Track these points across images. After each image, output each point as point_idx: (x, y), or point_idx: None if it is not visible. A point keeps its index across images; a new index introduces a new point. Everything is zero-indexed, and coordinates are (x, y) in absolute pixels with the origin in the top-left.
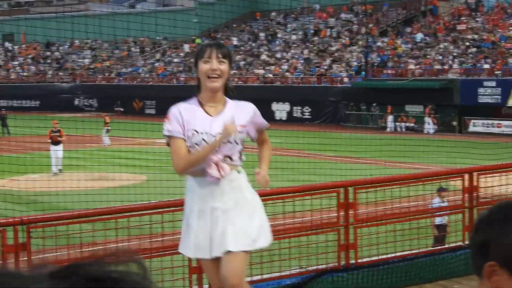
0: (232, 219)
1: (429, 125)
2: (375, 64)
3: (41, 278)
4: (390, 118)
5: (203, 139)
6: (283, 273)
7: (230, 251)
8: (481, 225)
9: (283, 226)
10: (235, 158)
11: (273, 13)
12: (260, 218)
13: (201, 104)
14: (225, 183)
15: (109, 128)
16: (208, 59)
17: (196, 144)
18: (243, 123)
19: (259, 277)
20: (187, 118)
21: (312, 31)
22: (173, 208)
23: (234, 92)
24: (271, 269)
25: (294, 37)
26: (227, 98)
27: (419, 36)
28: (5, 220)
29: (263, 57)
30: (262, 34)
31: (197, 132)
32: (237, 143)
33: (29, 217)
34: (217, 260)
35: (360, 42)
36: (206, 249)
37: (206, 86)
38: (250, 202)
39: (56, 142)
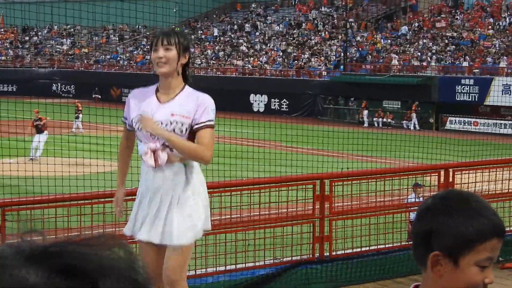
0: (169, 210)
1: (413, 122)
2: (354, 59)
3: (16, 262)
4: (365, 113)
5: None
6: (257, 264)
7: (170, 245)
8: (424, 215)
9: (258, 216)
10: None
11: (254, 5)
12: (194, 218)
13: (156, 90)
14: (167, 172)
15: (79, 115)
16: (155, 47)
17: (139, 129)
18: (187, 114)
19: (233, 267)
20: (136, 102)
21: (292, 24)
22: None
23: (190, 80)
24: (246, 259)
25: (273, 29)
26: (186, 87)
27: (404, 29)
28: None
29: (243, 48)
30: (241, 25)
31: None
32: (176, 133)
33: (5, 200)
34: (155, 246)
35: (339, 36)
36: (143, 232)
37: (156, 72)
38: (189, 200)
39: (40, 131)
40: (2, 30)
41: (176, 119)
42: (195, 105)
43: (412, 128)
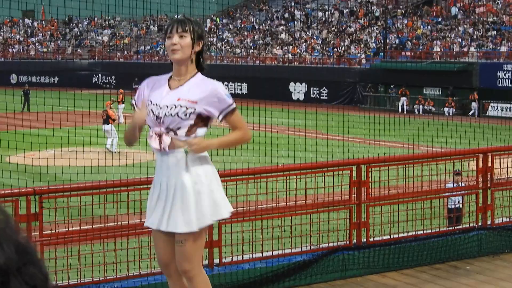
0: (173, 198)
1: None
2: (394, 46)
3: None
4: (402, 100)
5: (151, 110)
6: (294, 250)
7: (178, 234)
8: None
9: (294, 203)
10: (181, 133)
11: None
12: (196, 206)
13: (170, 78)
14: (171, 159)
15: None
16: (170, 34)
17: (148, 114)
18: (193, 99)
19: (269, 253)
20: (150, 88)
21: (331, 12)
22: None
23: (205, 68)
24: (282, 245)
25: (312, 17)
26: (198, 74)
27: (454, 10)
28: (18, 191)
29: (282, 36)
30: (280, 14)
31: (151, 102)
32: (180, 118)
33: (42, 188)
34: (164, 233)
35: (379, 23)
36: (154, 220)
37: (170, 59)
38: (189, 188)
39: (107, 122)
40: (44, 22)
41: (181, 103)
42: (204, 93)
43: (474, 116)
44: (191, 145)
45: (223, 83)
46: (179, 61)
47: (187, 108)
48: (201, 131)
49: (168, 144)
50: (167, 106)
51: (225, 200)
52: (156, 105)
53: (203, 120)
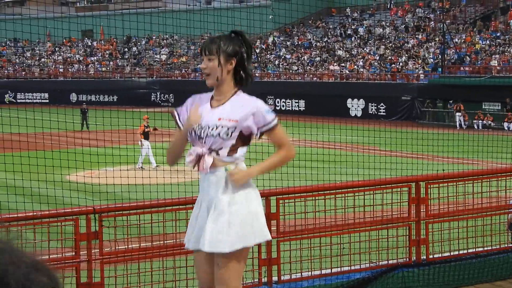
0: (209, 217)
1: None
2: (452, 61)
3: None
4: (457, 115)
5: (193, 129)
6: (352, 267)
7: (219, 255)
8: None
9: (353, 220)
10: (222, 153)
11: (348, 9)
12: (238, 224)
13: (212, 97)
14: (212, 177)
15: None
16: (201, 56)
17: (189, 133)
18: (234, 118)
19: (328, 271)
20: (191, 107)
21: (387, 28)
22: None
23: (246, 84)
24: (341, 263)
25: (369, 33)
26: (238, 92)
27: None
28: (78, 209)
29: (339, 53)
30: (337, 31)
31: None
32: (222, 138)
33: (101, 207)
34: (204, 255)
35: (436, 39)
36: (193, 240)
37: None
38: (225, 207)
39: (148, 137)
40: (103, 42)
41: (222, 123)
42: (244, 111)
43: None
44: (231, 175)
45: (280, 100)
46: (211, 85)
47: (228, 128)
48: (241, 150)
49: (209, 165)
50: (209, 127)
51: (264, 226)
52: (198, 124)
53: (244, 139)
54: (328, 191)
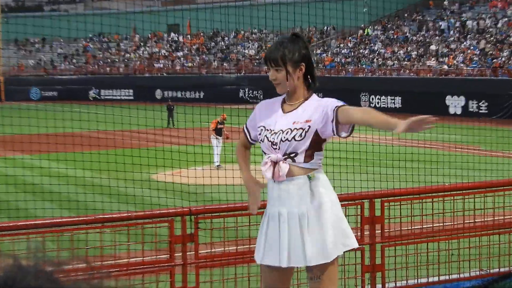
0: (300, 229)
1: None
2: None
3: None
4: None
5: (265, 136)
6: (462, 275)
7: (314, 269)
8: None
9: (462, 225)
10: (299, 159)
11: (446, 2)
12: (331, 232)
13: (283, 101)
14: (292, 186)
15: None
16: (268, 67)
17: (261, 140)
18: (308, 118)
19: (435, 279)
20: (262, 113)
21: (488, 21)
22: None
23: (314, 86)
24: (450, 270)
25: (469, 26)
26: (312, 96)
27: None
28: (174, 210)
29: (436, 48)
30: (435, 24)
31: (264, 128)
32: (297, 141)
33: (198, 208)
34: (282, 271)
35: None
36: (276, 256)
37: None
38: (316, 216)
39: (220, 133)
40: (189, 36)
41: (297, 126)
42: (317, 109)
43: None
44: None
45: (375, 97)
46: (282, 93)
47: (302, 130)
48: (318, 156)
49: (286, 172)
50: (283, 131)
51: (350, 230)
52: (270, 130)
53: (319, 142)
54: (436, 194)
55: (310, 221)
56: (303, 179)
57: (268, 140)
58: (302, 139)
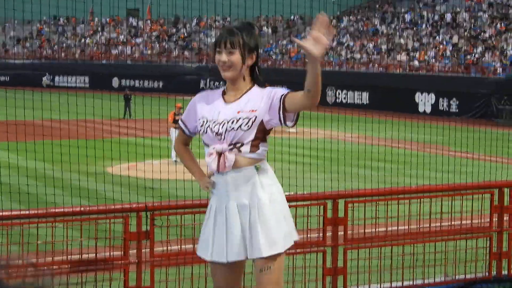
0: (250, 221)
1: None
2: None
3: None
4: None
5: (208, 127)
6: (426, 281)
7: (263, 260)
8: None
9: (428, 228)
10: (244, 149)
11: None
12: (284, 223)
13: (224, 92)
14: (241, 178)
15: None
16: (219, 49)
17: (204, 132)
18: (253, 108)
19: (399, 284)
20: (202, 105)
21: (464, 15)
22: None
23: (261, 80)
24: (414, 275)
25: (443, 20)
26: (255, 87)
27: None
28: (129, 206)
29: (407, 42)
30: (406, 16)
31: (206, 119)
32: (243, 130)
33: (154, 204)
34: (233, 266)
35: None
36: (228, 251)
37: (222, 76)
38: (267, 207)
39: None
40: (149, 22)
41: (242, 115)
42: (262, 99)
43: None
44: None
45: (341, 92)
46: (230, 79)
47: (249, 119)
48: (263, 147)
49: (233, 162)
50: (228, 121)
51: (292, 222)
52: (214, 121)
53: (264, 132)
54: (403, 195)
55: (262, 212)
56: (251, 169)
57: (211, 131)
58: (249, 128)
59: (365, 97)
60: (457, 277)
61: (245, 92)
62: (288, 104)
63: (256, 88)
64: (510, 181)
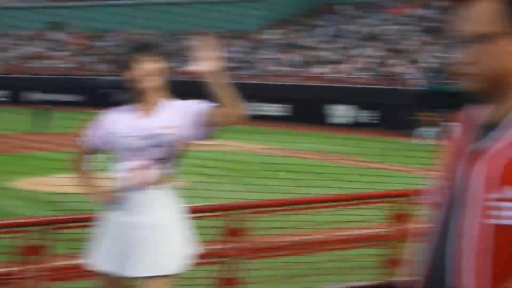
0: (153, 239)
1: None
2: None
3: None
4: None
5: (123, 142)
6: None
7: (147, 278)
8: None
9: (326, 238)
10: (160, 165)
11: (339, 7)
12: (175, 246)
13: (133, 107)
14: (146, 195)
15: None
16: (142, 58)
17: (118, 148)
18: (172, 123)
19: None
20: (112, 120)
21: (381, 28)
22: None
23: (166, 90)
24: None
25: (361, 33)
26: (169, 99)
27: None
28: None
29: (325, 54)
30: (325, 30)
31: (120, 135)
32: (161, 145)
33: (47, 218)
34: (124, 281)
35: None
36: (122, 264)
37: (139, 88)
38: (173, 225)
39: None
40: (70, 36)
41: (161, 131)
42: (181, 114)
43: None
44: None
45: (263, 104)
46: (152, 89)
47: (167, 134)
48: (177, 162)
49: (150, 178)
50: (145, 136)
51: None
52: (129, 136)
53: (180, 148)
54: (303, 205)
55: (166, 230)
56: (162, 186)
57: (126, 146)
58: (168, 144)
59: (287, 109)
60: (351, 284)
61: (161, 106)
62: (209, 118)
63: (172, 102)
64: (405, 190)
